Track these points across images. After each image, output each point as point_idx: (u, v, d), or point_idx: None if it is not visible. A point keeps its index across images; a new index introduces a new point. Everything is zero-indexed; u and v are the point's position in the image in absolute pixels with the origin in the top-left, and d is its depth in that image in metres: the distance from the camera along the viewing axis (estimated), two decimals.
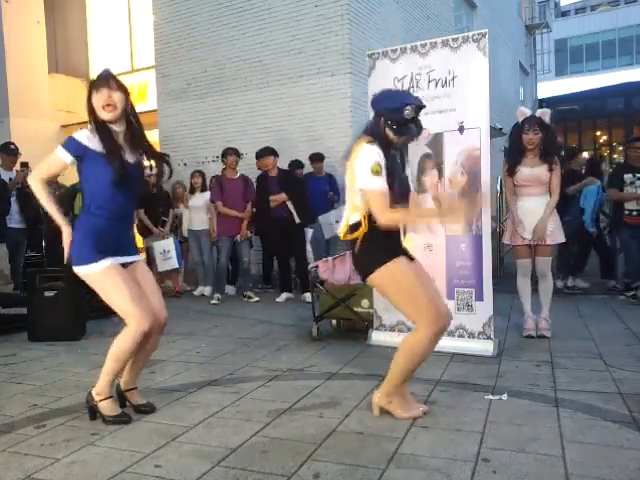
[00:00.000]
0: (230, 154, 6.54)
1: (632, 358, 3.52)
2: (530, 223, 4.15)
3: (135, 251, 2.86)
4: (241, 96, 9.10)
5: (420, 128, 2.59)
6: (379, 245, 2.54)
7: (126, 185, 2.64)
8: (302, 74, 8.60)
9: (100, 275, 2.61)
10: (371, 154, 2.49)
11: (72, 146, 2.60)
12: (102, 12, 11.75)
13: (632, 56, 34.39)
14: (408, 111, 2.50)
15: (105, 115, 2.61)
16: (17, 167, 6.10)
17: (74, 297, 4.70)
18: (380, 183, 2.46)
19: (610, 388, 2.97)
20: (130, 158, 2.70)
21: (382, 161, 2.49)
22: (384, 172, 2.48)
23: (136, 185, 2.77)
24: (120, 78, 2.82)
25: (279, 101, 8.79)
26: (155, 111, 9.89)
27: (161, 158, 2.87)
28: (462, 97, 3.79)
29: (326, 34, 8.39)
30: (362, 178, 2.49)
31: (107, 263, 2.61)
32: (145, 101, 10.64)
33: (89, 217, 2.67)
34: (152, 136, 10.11)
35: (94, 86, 2.64)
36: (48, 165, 2.67)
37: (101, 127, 2.63)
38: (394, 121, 2.52)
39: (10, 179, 5.86)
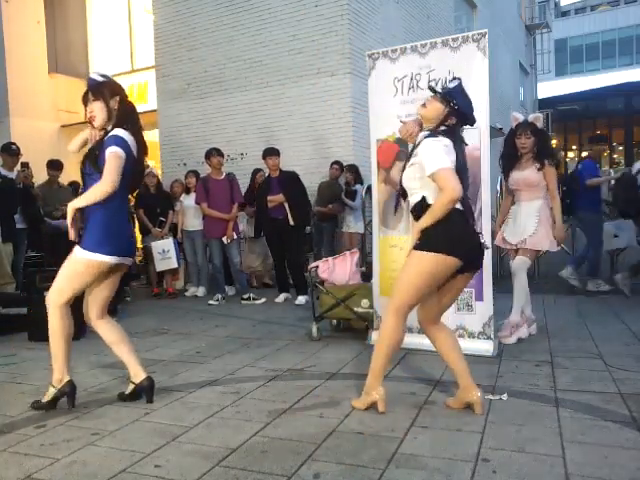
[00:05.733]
0: (213, 155, 6.45)
1: (632, 358, 3.52)
2: (516, 227, 4.10)
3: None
4: (241, 96, 9.11)
5: None
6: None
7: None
8: (302, 74, 8.60)
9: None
10: None
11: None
12: (102, 12, 11.76)
13: (632, 56, 34.40)
14: None
15: (93, 125, 2.91)
16: (18, 167, 6.11)
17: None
18: None
19: (610, 388, 2.97)
20: None
21: None
22: None
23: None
24: (119, 78, 2.92)
25: (279, 101, 8.80)
26: (155, 111, 9.90)
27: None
28: None
29: (326, 34, 8.40)
30: None
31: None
32: (145, 101, 10.66)
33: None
34: (152, 136, 10.15)
35: (83, 101, 2.94)
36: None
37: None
38: None
39: (12, 179, 5.87)
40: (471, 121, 2.75)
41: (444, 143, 2.57)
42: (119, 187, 2.79)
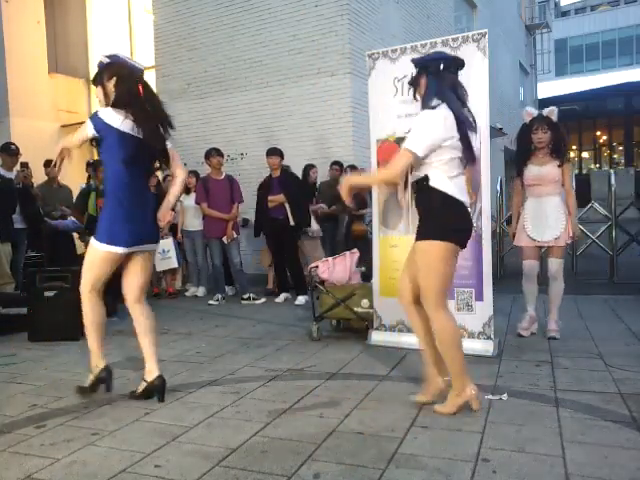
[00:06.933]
0: (213, 155, 6.44)
1: (632, 358, 3.52)
2: (538, 223, 4.08)
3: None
4: (241, 96, 9.11)
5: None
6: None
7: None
8: (302, 74, 8.60)
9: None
10: None
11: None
12: (102, 12, 11.76)
13: (632, 56, 34.43)
14: None
15: None
16: (17, 167, 6.10)
17: (74, 297, 4.70)
18: None
19: (610, 388, 2.98)
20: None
21: None
22: None
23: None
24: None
25: (279, 101, 8.80)
26: None
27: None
28: None
29: (326, 34, 8.39)
30: None
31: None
32: None
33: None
34: None
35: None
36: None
37: None
38: None
39: (10, 179, 5.86)
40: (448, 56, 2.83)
41: (441, 116, 2.59)
42: (120, 174, 2.79)
